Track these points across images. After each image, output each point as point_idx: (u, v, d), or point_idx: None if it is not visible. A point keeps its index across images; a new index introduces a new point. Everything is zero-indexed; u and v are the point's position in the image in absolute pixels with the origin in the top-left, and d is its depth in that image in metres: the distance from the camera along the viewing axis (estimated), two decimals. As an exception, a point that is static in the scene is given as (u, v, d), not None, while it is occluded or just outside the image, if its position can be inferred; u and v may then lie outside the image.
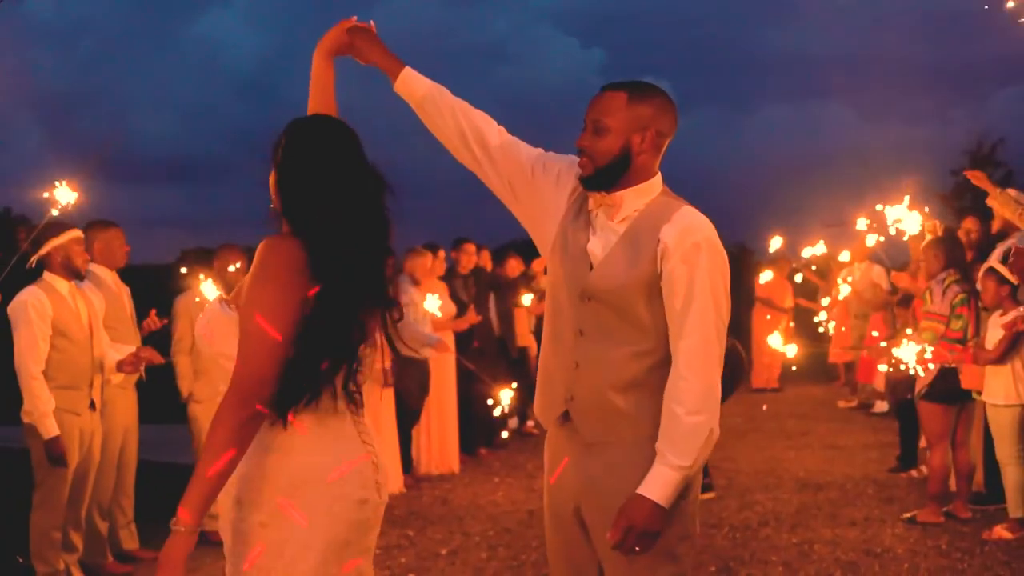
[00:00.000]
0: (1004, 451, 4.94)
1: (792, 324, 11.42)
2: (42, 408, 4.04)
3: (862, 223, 7.57)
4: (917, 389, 5.28)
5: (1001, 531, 4.85)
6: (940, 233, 5.75)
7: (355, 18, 2.40)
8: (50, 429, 4.04)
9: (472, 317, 7.03)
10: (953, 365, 5.08)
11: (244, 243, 5.62)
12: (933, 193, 18.55)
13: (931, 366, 5.11)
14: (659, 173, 2.26)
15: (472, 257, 7.47)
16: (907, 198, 6.04)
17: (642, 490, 2.09)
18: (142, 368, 4.55)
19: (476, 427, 7.39)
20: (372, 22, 2.41)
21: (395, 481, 6.23)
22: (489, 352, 7.54)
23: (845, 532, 5.13)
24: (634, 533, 2.08)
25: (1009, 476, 4.93)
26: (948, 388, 5.13)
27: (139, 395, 4.95)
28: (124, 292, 4.92)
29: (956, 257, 5.27)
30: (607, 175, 2.19)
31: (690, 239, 2.13)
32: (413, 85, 2.34)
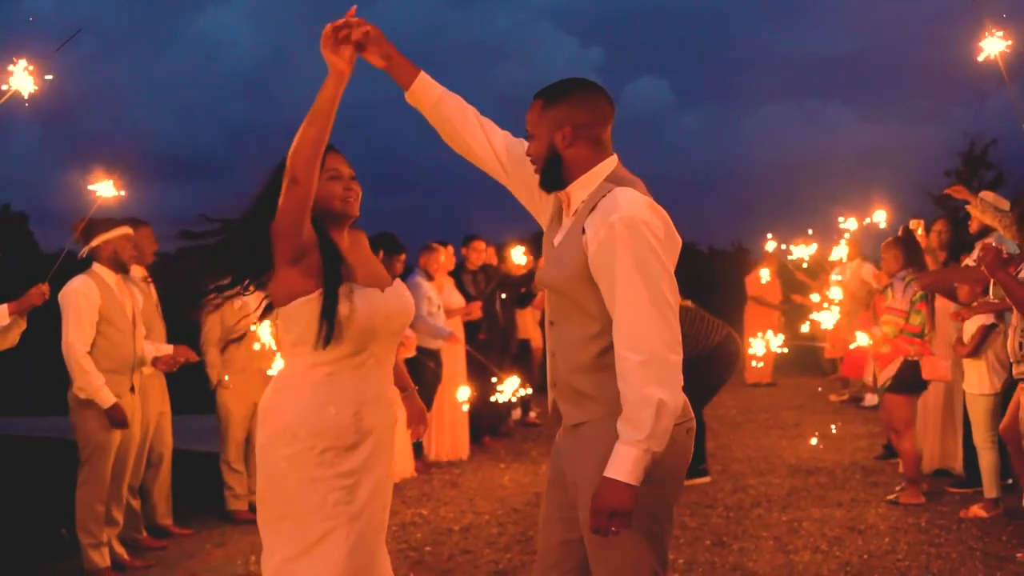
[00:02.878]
0: (980, 436, 5.31)
1: (782, 319, 11.77)
2: (95, 382, 4.38)
3: (852, 223, 7.93)
4: (880, 382, 5.66)
5: (977, 510, 5.20)
6: (922, 231, 6.14)
7: (354, 9, 2.39)
8: (107, 399, 4.39)
9: (476, 309, 7.39)
10: (915, 358, 5.47)
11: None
12: (926, 193, 18.94)
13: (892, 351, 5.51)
14: (607, 159, 2.32)
15: (481, 254, 7.83)
16: (883, 213, 6.44)
17: (607, 472, 2.14)
18: (175, 367, 4.90)
19: (482, 417, 7.73)
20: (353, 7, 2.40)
21: (407, 466, 6.59)
22: (496, 345, 7.88)
23: (832, 512, 5.48)
24: (603, 515, 2.13)
25: (984, 459, 5.29)
26: (910, 379, 5.54)
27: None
28: (152, 288, 5.26)
29: (914, 256, 5.66)
30: (548, 176, 2.33)
31: (605, 222, 2.17)
32: (428, 89, 2.44)
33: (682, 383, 2.18)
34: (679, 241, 2.28)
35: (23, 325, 4.14)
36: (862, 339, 5.75)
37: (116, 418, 4.40)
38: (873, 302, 5.81)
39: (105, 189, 4.08)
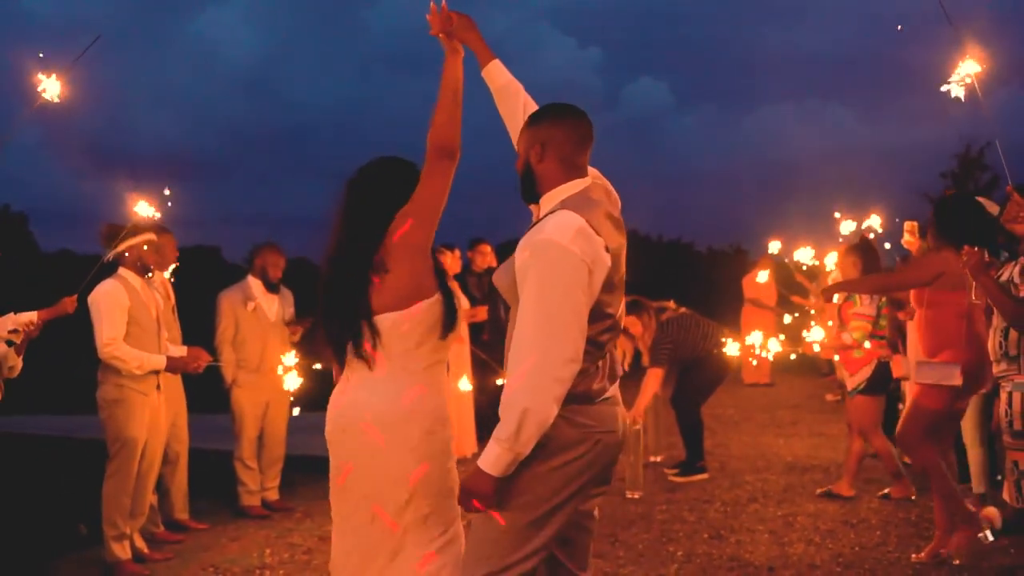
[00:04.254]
0: (968, 435, 5.49)
1: (781, 321, 11.93)
2: (143, 357, 4.64)
3: (847, 226, 8.10)
4: (852, 386, 5.88)
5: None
6: (916, 233, 6.32)
7: (445, 3, 2.79)
8: (160, 360, 4.71)
9: (482, 312, 7.58)
10: (887, 360, 5.69)
11: (248, 241, 6.06)
12: (921, 195, 19.11)
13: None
14: (576, 180, 2.50)
15: (487, 257, 8.03)
16: (878, 218, 6.64)
17: (479, 459, 2.35)
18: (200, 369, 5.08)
19: (486, 415, 7.90)
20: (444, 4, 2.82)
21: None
22: (498, 345, 8.04)
23: (826, 506, 5.68)
24: (464, 494, 2.35)
25: (972, 457, 5.48)
26: (882, 380, 5.78)
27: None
28: (170, 291, 5.45)
29: (872, 263, 5.86)
30: (524, 188, 2.57)
31: (530, 242, 2.36)
32: (496, 74, 2.82)
33: (558, 398, 2.28)
34: (606, 266, 2.37)
35: (19, 361, 4.19)
36: (817, 335, 6.02)
37: (177, 366, 4.82)
38: (840, 309, 6.01)
39: (143, 208, 4.32)
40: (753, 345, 6.70)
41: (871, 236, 7.47)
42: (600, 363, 2.46)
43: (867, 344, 5.74)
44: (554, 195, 2.49)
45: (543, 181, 2.52)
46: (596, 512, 2.64)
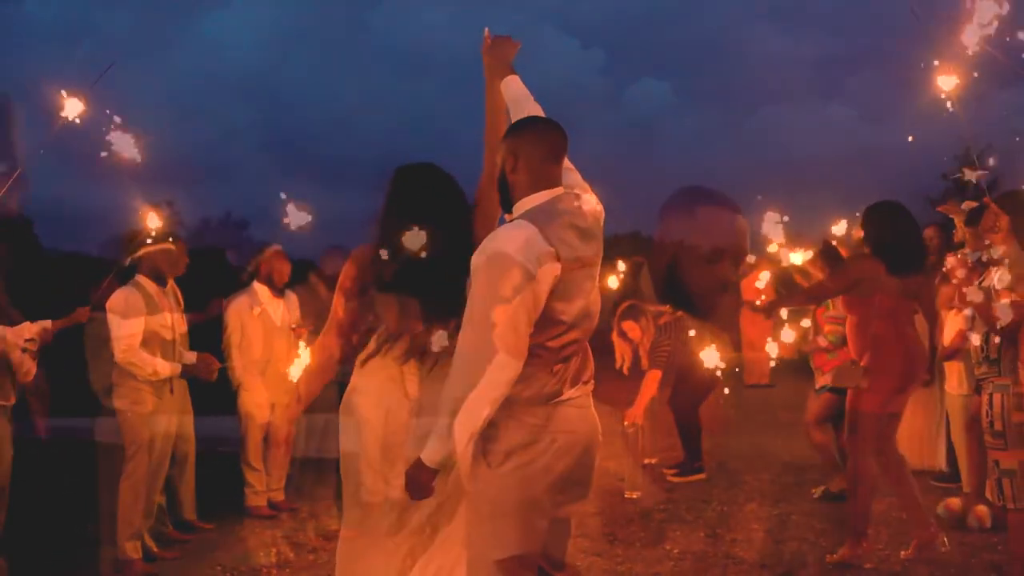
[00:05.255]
0: (958, 434, 5.60)
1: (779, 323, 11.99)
2: (156, 363, 4.79)
3: (842, 228, 8.18)
4: (821, 383, 6.00)
5: (955, 503, 5.48)
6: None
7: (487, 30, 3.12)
8: (174, 369, 4.86)
9: None
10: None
11: (250, 243, 6.17)
12: (921, 197, 19.14)
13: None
14: (544, 191, 2.57)
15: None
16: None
17: None
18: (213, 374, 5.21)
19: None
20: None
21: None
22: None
23: (822, 506, 5.79)
24: (406, 480, 2.50)
25: (963, 456, 5.58)
26: None
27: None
28: (180, 297, 5.57)
29: (837, 267, 5.94)
30: (501, 197, 2.67)
31: (479, 252, 2.45)
32: (511, 87, 2.99)
33: (493, 400, 2.38)
34: (553, 275, 2.43)
35: (33, 366, 4.34)
36: (787, 336, 6.16)
37: (191, 373, 4.97)
38: (815, 313, 6.10)
39: (153, 219, 4.48)
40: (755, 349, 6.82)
41: (833, 241, 7.55)
42: (557, 367, 2.51)
43: (827, 341, 5.86)
44: (523, 204, 2.58)
45: (515, 190, 2.61)
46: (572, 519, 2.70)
